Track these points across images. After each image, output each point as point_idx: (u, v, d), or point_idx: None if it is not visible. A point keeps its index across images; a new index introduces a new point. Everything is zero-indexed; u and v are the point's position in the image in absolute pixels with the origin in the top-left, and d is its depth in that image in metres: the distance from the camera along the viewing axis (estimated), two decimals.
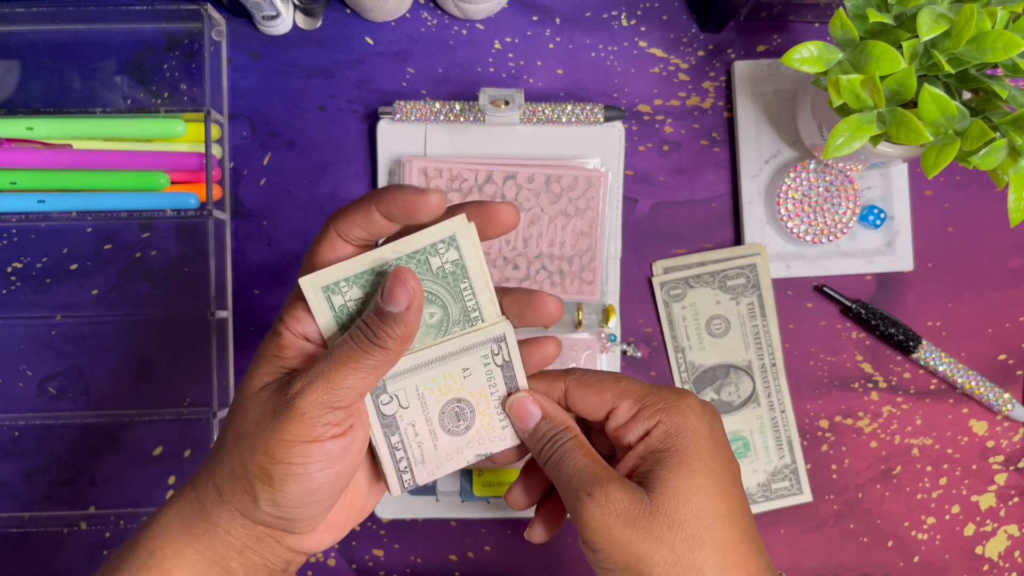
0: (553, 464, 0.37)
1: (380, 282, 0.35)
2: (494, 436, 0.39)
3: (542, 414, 0.38)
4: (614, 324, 0.57)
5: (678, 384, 0.58)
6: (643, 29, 0.59)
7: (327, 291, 0.35)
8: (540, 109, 0.56)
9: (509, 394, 0.38)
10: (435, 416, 0.38)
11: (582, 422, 0.39)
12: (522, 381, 0.38)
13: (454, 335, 0.37)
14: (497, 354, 0.37)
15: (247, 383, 0.36)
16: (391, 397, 0.37)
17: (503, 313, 0.37)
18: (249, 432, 0.34)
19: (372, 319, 0.34)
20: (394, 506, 0.57)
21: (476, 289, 0.36)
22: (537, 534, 0.40)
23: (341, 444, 0.34)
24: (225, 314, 0.57)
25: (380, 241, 0.35)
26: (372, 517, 0.58)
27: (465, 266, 0.35)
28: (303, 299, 0.35)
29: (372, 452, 0.38)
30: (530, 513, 0.57)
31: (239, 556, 0.36)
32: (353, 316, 0.35)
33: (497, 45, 0.59)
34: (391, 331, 0.34)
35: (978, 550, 0.59)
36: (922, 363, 0.58)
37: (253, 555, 0.36)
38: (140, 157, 0.55)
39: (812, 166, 0.56)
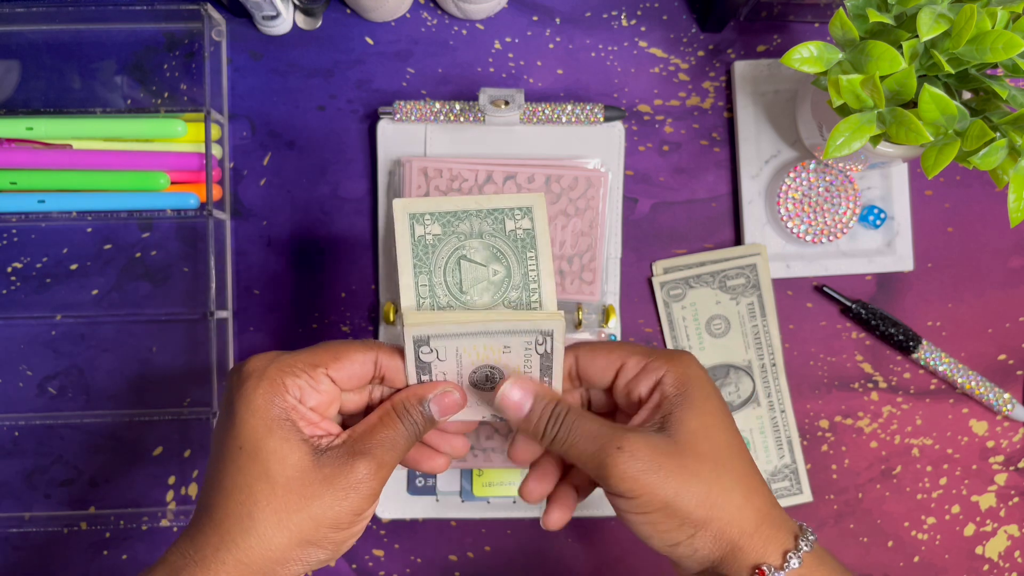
0: (561, 439, 0.38)
1: (457, 226, 0.39)
2: None
3: (532, 396, 0.39)
4: (614, 324, 0.57)
5: None
6: (643, 29, 0.59)
7: (412, 219, 0.39)
8: (540, 109, 0.56)
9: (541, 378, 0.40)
10: (467, 372, 0.40)
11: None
12: (558, 381, 0.40)
13: (506, 316, 0.39)
14: (541, 344, 0.39)
15: (275, 450, 0.36)
16: (432, 350, 0.39)
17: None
18: (310, 509, 0.35)
19: (421, 420, 0.39)
20: (394, 506, 0.57)
21: (540, 263, 0.39)
22: (554, 519, 0.42)
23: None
24: (225, 314, 0.57)
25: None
26: (373, 518, 0.58)
27: (535, 236, 0.39)
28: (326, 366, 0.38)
29: None
30: (532, 511, 0.58)
31: None
32: (428, 248, 0.39)
33: (497, 45, 0.59)
34: (429, 431, 0.40)
35: (978, 550, 0.59)
36: (922, 363, 0.58)
37: None
38: (140, 157, 0.55)
39: (812, 166, 0.56)
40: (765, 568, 0.36)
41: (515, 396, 0.39)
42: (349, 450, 0.37)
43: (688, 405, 0.38)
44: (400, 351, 0.39)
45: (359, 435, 0.38)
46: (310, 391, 0.38)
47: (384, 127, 0.57)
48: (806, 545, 0.37)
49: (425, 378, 0.40)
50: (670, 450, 0.37)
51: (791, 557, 0.37)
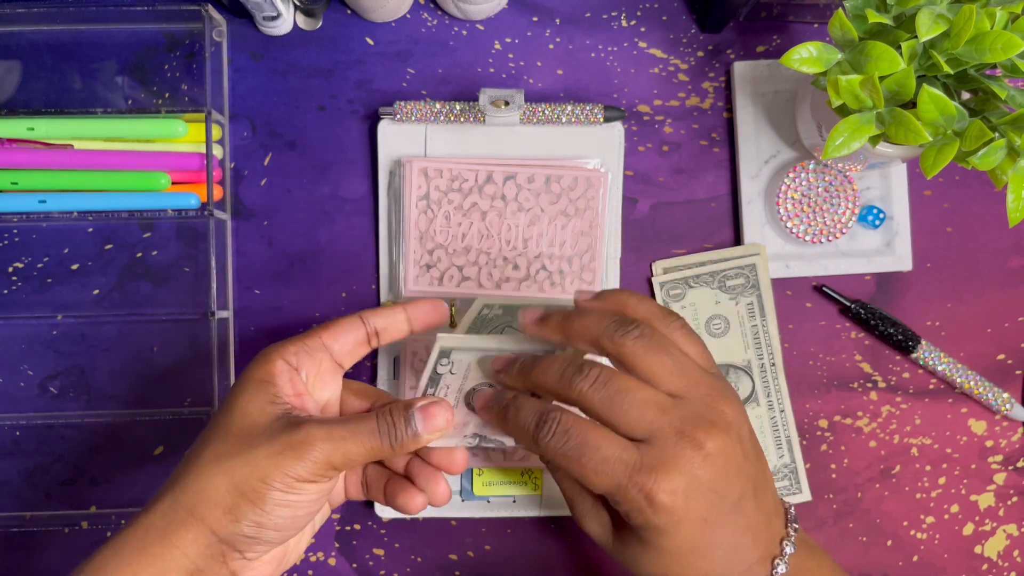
0: (558, 453, 0.38)
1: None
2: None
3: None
4: None
5: None
6: (643, 29, 0.59)
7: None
8: (540, 109, 0.56)
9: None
10: (466, 388, 0.42)
11: None
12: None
13: (522, 339, 0.42)
14: None
15: (240, 405, 0.38)
16: (449, 363, 0.41)
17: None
18: (246, 455, 0.36)
19: (401, 426, 0.38)
20: None
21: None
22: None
23: (330, 486, 0.38)
24: (226, 314, 0.57)
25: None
26: (373, 517, 0.58)
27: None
28: (312, 350, 0.40)
29: None
30: (532, 511, 0.58)
31: None
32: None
33: (497, 45, 0.59)
34: (409, 444, 0.39)
35: (977, 549, 0.60)
36: (921, 363, 0.58)
37: None
38: (141, 157, 0.55)
39: (811, 166, 0.56)
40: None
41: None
42: (308, 419, 0.38)
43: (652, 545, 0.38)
44: (383, 310, 0.43)
45: (329, 415, 0.40)
46: (305, 357, 0.40)
47: (384, 127, 0.57)
48: (789, 547, 0.39)
49: (431, 391, 0.41)
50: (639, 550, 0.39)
51: (777, 563, 0.39)
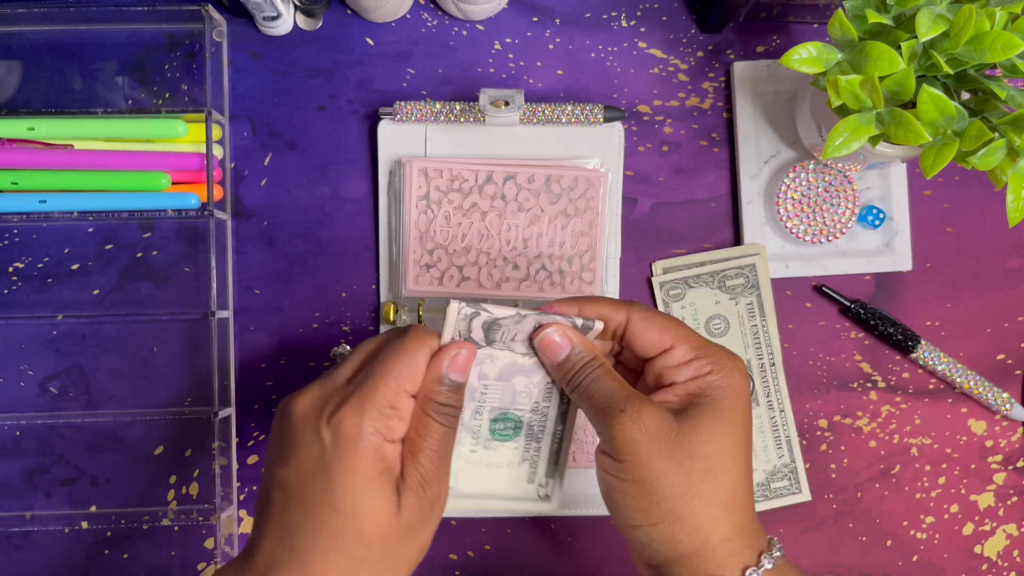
0: (583, 389, 0.40)
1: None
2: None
3: (570, 346, 0.40)
4: None
5: None
6: (643, 30, 0.59)
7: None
8: (540, 109, 0.56)
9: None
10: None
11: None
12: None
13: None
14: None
15: (366, 510, 0.36)
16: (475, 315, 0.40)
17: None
18: (389, 554, 0.37)
19: (451, 397, 0.39)
20: None
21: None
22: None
23: None
24: (226, 314, 0.57)
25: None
26: None
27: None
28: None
29: None
30: (536, 509, 0.58)
31: None
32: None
33: (497, 46, 0.59)
34: (457, 398, 0.40)
35: (977, 549, 0.60)
36: (921, 363, 0.59)
37: None
38: (141, 157, 0.55)
39: (811, 166, 0.56)
40: None
41: (556, 338, 0.40)
42: (417, 488, 0.37)
43: (713, 408, 0.38)
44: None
45: (416, 460, 0.38)
46: (399, 424, 0.37)
47: (384, 127, 0.57)
48: (768, 562, 0.37)
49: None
50: (673, 434, 0.37)
51: (751, 572, 0.37)
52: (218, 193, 0.57)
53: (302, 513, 0.36)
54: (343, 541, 0.36)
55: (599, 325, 0.41)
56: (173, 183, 0.56)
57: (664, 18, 0.59)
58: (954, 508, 0.60)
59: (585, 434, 0.57)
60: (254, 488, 0.58)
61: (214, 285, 0.55)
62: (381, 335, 0.40)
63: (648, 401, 0.38)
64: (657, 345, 0.40)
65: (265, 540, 0.36)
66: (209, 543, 0.56)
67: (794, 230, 0.57)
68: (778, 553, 0.38)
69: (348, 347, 0.46)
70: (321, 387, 0.38)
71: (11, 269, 0.58)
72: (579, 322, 0.40)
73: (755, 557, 0.37)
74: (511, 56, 0.59)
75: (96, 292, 0.58)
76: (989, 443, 0.60)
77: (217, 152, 0.57)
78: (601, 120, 0.56)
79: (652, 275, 0.59)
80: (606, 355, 0.43)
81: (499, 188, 0.55)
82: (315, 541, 0.36)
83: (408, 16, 0.59)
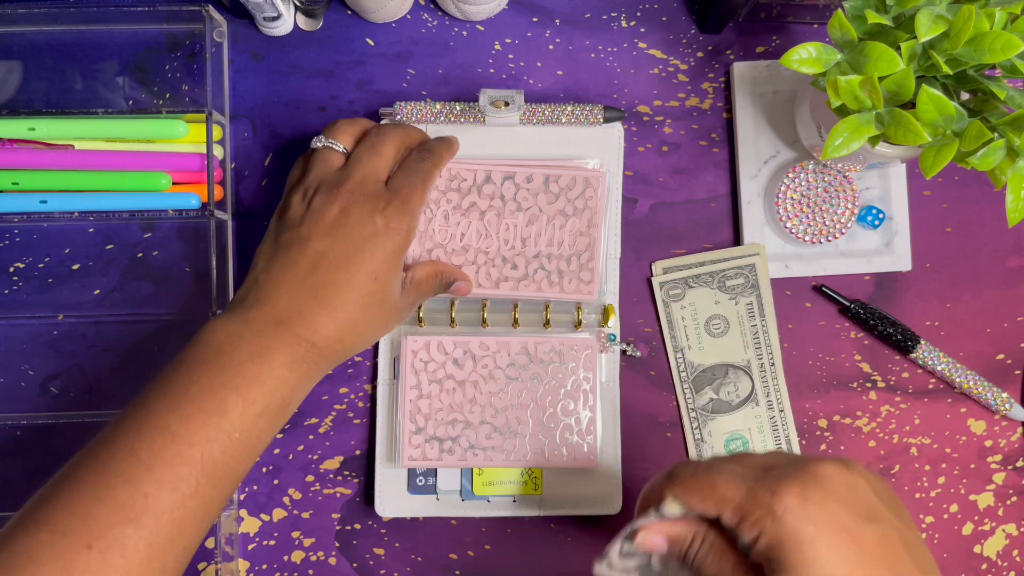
0: (696, 573, 0.38)
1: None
2: None
3: (664, 540, 0.39)
4: (613, 324, 0.57)
5: (677, 383, 0.58)
6: (643, 30, 0.59)
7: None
8: (540, 110, 0.56)
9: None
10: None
11: None
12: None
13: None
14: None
15: (392, 281, 0.48)
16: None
17: None
18: (386, 322, 0.50)
19: (447, 284, 0.54)
20: (395, 505, 0.57)
21: None
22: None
23: None
24: None
25: None
26: (373, 516, 0.58)
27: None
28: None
29: None
30: (531, 510, 0.58)
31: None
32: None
33: (497, 46, 0.59)
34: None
35: (976, 549, 0.60)
36: (920, 363, 0.59)
37: None
38: (142, 158, 0.56)
39: (811, 166, 0.56)
40: None
41: (650, 539, 0.39)
42: (413, 294, 0.51)
43: (786, 572, 0.34)
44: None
45: (416, 283, 0.51)
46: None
47: None
48: None
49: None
50: None
51: None
52: (219, 193, 0.57)
53: (341, 273, 0.45)
54: (370, 302, 0.46)
55: (671, 510, 0.39)
56: (174, 183, 0.56)
57: (664, 18, 0.59)
58: (953, 508, 0.60)
59: (582, 433, 0.57)
60: (255, 488, 0.58)
61: (214, 285, 0.55)
62: (395, 132, 0.51)
63: None
64: (706, 514, 0.37)
65: (285, 290, 0.45)
66: (210, 543, 0.56)
67: (794, 230, 0.57)
68: None
69: (332, 142, 0.50)
70: (362, 180, 0.47)
71: (12, 269, 0.58)
72: (651, 517, 0.39)
73: None
74: (511, 56, 0.59)
75: (97, 292, 0.58)
76: (988, 443, 0.60)
77: (218, 152, 0.57)
78: (601, 120, 0.56)
79: (652, 275, 0.59)
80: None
81: (498, 188, 0.55)
82: (350, 296, 0.45)
83: (408, 17, 0.59)
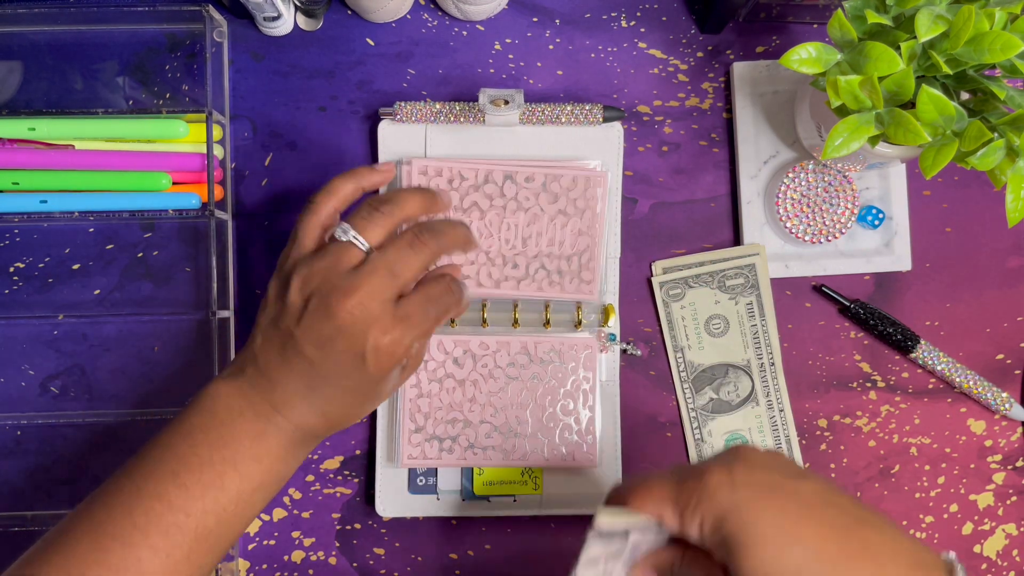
0: None
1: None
2: None
3: (655, 572, 0.39)
4: (613, 323, 0.57)
5: (677, 383, 0.58)
6: (643, 30, 0.59)
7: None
8: (539, 109, 0.56)
9: None
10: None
11: None
12: None
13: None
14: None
15: (389, 379, 0.46)
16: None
17: None
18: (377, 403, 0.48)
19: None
20: (395, 505, 0.57)
21: None
22: None
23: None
24: (227, 314, 0.57)
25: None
26: (373, 516, 0.58)
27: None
28: None
29: None
30: (531, 510, 0.58)
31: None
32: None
33: (497, 46, 0.59)
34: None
35: (976, 549, 0.60)
36: (920, 362, 0.59)
37: None
38: (142, 158, 0.56)
39: (811, 166, 0.57)
40: None
41: None
42: (414, 364, 0.49)
43: (735, 553, 0.34)
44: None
45: (414, 363, 0.49)
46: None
47: (385, 128, 0.57)
48: None
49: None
50: None
51: None
52: (219, 193, 0.57)
53: (330, 386, 0.43)
54: (364, 399, 0.45)
55: (605, 521, 0.39)
56: (174, 183, 0.56)
57: (664, 18, 0.60)
58: (953, 508, 0.60)
59: (582, 433, 0.57)
60: None
61: (215, 285, 0.55)
62: (425, 253, 0.45)
63: None
64: (655, 520, 0.38)
65: (281, 383, 0.43)
66: None
67: (794, 230, 0.57)
68: None
69: (359, 239, 0.44)
70: (366, 301, 0.42)
71: (12, 269, 0.58)
72: (594, 536, 0.39)
73: None
74: (511, 56, 0.59)
75: (97, 292, 0.58)
76: (988, 443, 0.60)
77: (218, 152, 0.57)
78: (600, 120, 0.56)
79: (652, 275, 0.59)
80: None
81: (498, 187, 0.55)
82: (342, 398, 0.44)
83: (408, 17, 0.59)
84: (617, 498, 0.39)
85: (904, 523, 0.59)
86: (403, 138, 0.57)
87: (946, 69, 0.43)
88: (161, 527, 0.40)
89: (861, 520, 0.35)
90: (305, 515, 0.58)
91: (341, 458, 0.58)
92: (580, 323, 0.56)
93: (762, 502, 0.35)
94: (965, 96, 0.48)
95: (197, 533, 0.41)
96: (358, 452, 0.58)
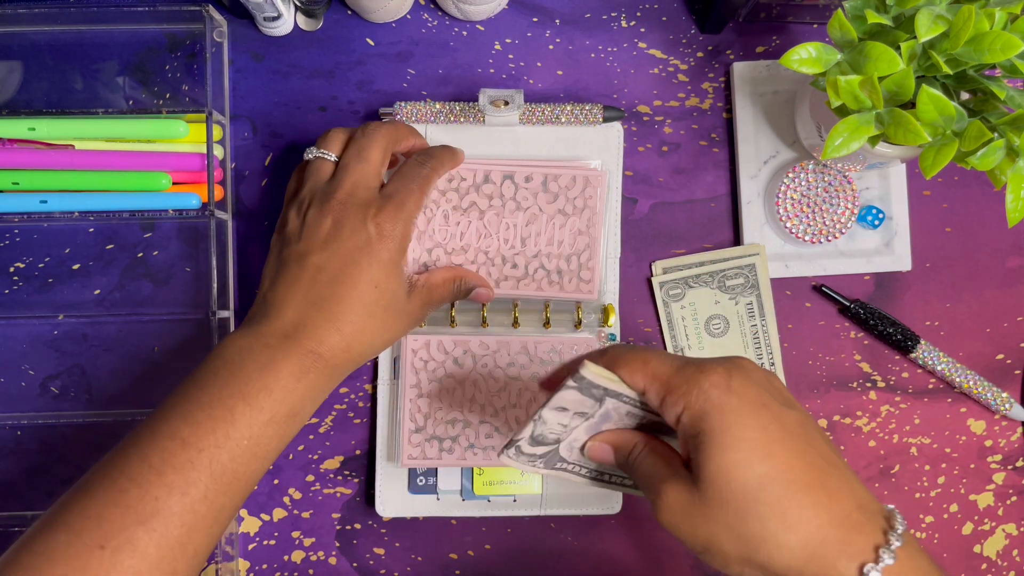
0: (637, 479, 0.41)
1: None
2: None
3: (611, 449, 0.43)
4: (614, 323, 0.57)
5: None
6: (643, 30, 0.59)
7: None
8: (539, 109, 0.56)
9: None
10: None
11: None
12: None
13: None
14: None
15: (392, 285, 0.48)
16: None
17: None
18: (393, 326, 0.49)
19: (464, 292, 0.54)
20: (395, 505, 0.57)
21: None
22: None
23: None
24: (227, 314, 0.57)
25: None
26: (373, 515, 0.58)
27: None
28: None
29: None
30: (532, 510, 0.58)
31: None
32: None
33: (497, 46, 0.59)
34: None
35: (976, 549, 0.60)
36: (920, 362, 0.59)
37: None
38: (142, 158, 0.56)
39: (811, 166, 0.57)
40: None
41: (597, 449, 0.43)
42: (426, 298, 0.51)
43: (707, 446, 0.36)
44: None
45: (429, 287, 0.51)
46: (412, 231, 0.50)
47: None
48: (888, 557, 0.34)
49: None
50: (694, 499, 0.37)
51: (869, 571, 0.34)
52: (219, 193, 0.57)
53: (340, 286, 0.45)
54: (374, 309, 0.47)
55: (591, 372, 0.39)
56: (174, 183, 0.56)
57: (664, 18, 0.60)
58: (953, 508, 0.60)
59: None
60: (255, 487, 0.58)
61: (215, 285, 0.55)
62: (381, 132, 0.49)
63: (669, 479, 0.38)
64: (633, 387, 0.39)
65: (291, 306, 0.45)
66: None
67: (794, 230, 0.57)
68: (897, 543, 0.34)
69: (324, 152, 0.49)
70: (352, 189, 0.47)
71: (12, 269, 0.58)
72: (572, 383, 0.39)
73: (870, 551, 0.35)
74: (511, 56, 0.59)
75: (97, 292, 0.58)
76: (988, 443, 0.60)
77: (218, 152, 0.57)
78: (600, 120, 0.56)
79: (652, 275, 0.59)
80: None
81: (497, 187, 0.55)
82: (352, 307, 0.46)
83: (408, 17, 0.59)
84: (607, 361, 0.40)
85: None
86: None
87: (946, 69, 0.43)
88: (174, 464, 0.41)
89: (827, 459, 0.37)
90: (305, 515, 0.58)
91: (341, 458, 0.58)
92: (580, 323, 0.56)
93: (748, 414, 0.37)
94: (965, 96, 0.47)
95: (212, 469, 0.41)
96: (358, 452, 0.58)
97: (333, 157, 0.49)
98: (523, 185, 0.55)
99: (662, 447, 0.41)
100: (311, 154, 0.50)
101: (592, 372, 0.38)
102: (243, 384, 0.43)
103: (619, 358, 0.40)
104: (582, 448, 0.44)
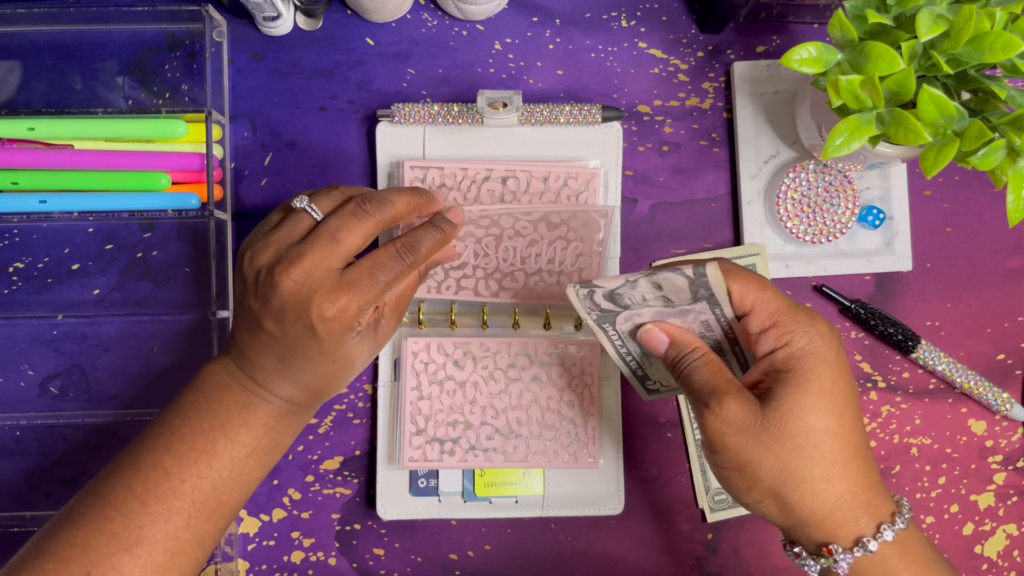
0: (682, 380, 0.43)
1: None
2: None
3: (667, 341, 0.44)
4: None
5: None
6: (643, 30, 0.59)
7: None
8: (538, 110, 0.56)
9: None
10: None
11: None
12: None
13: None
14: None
15: (342, 350, 0.45)
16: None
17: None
18: (355, 371, 0.48)
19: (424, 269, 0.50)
20: (396, 507, 0.57)
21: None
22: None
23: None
24: (226, 314, 0.57)
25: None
26: (373, 516, 0.58)
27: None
28: None
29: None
30: (533, 511, 0.58)
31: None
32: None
33: (497, 46, 0.59)
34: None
35: (977, 549, 0.60)
36: (921, 363, 0.59)
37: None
38: (141, 158, 0.56)
39: (811, 166, 0.56)
40: (833, 548, 0.39)
41: (655, 334, 0.44)
42: (392, 319, 0.48)
43: (794, 384, 0.39)
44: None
45: (392, 308, 0.48)
46: (375, 305, 0.46)
47: (383, 130, 0.57)
48: (888, 533, 0.38)
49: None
50: (757, 421, 0.39)
51: (866, 541, 0.38)
52: (218, 193, 0.57)
53: (295, 358, 0.44)
54: (333, 368, 0.45)
55: (714, 273, 0.41)
56: (173, 183, 0.56)
57: (664, 18, 0.59)
58: (954, 508, 0.60)
59: (586, 434, 0.57)
60: None
61: (214, 285, 0.55)
62: (368, 219, 0.45)
63: (733, 393, 0.40)
64: (739, 307, 0.42)
65: (258, 361, 0.45)
66: None
67: (794, 230, 0.57)
68: (901, 525, 0.39)
69: (312, 208, 0.45)
70: (310, 268, 0.43)
71: (11, 269, 0.58)
72: (690, 272, 0.41)
73: (872, 527, 0.39)
74: (511, 56, 0.59)
75: (96, 292, 0.58)
76: (989, 443, 0.60)
77: (217, 152, 0.57)
78: (599, 120, 0.56)
79: None
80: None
81: (496, 188, 0.55)
82: (312, 371, 0.45)
83: (408, 16, 0.59)
84: (729, 271, 0.41)
85: None
86: (401, 139, 0.57)
87: (947, 69, 0.42)
88: (158, 494, 0.42)
89: (865, 436, 0.41)
90: (305, 516, 0.58)
91: (341, 459, 0.58)
92: (580, 324, 0.56)
93: (837, 371, 0.40)
94: (966, 96, 0.47)
95: (194, 498, 0.43)
96: (358, 453, 0.58)
97: (318, 216, 0.45)
98: (523, 186, 0.55)
99: (721, 363, 0.43)
100: (300, 204, 0.45)
101: (714, 275, 0.40)
102: (224, 420, 0.44)
103: (741, 275, 0.41)
104: (636, 328, 0.45)
